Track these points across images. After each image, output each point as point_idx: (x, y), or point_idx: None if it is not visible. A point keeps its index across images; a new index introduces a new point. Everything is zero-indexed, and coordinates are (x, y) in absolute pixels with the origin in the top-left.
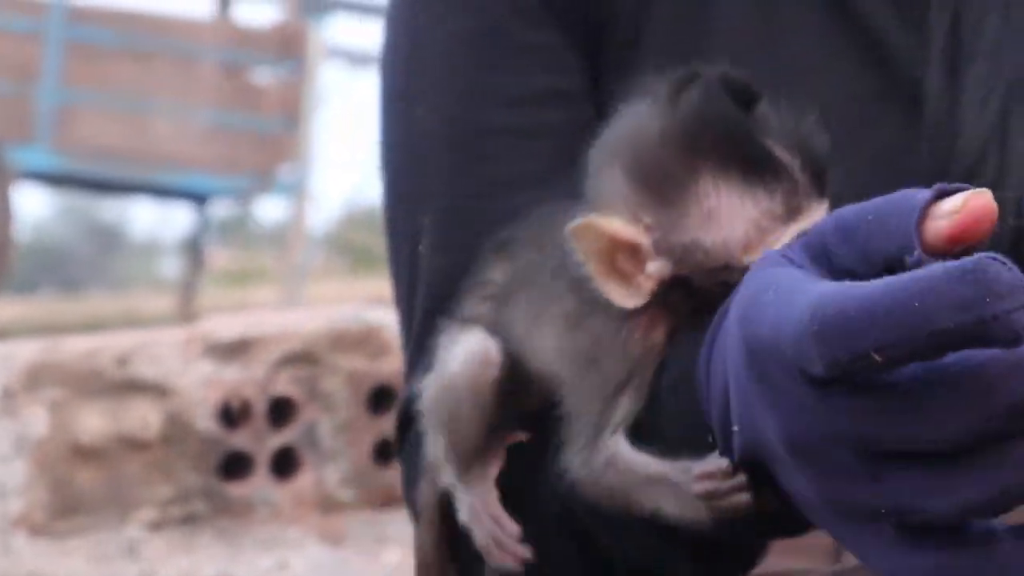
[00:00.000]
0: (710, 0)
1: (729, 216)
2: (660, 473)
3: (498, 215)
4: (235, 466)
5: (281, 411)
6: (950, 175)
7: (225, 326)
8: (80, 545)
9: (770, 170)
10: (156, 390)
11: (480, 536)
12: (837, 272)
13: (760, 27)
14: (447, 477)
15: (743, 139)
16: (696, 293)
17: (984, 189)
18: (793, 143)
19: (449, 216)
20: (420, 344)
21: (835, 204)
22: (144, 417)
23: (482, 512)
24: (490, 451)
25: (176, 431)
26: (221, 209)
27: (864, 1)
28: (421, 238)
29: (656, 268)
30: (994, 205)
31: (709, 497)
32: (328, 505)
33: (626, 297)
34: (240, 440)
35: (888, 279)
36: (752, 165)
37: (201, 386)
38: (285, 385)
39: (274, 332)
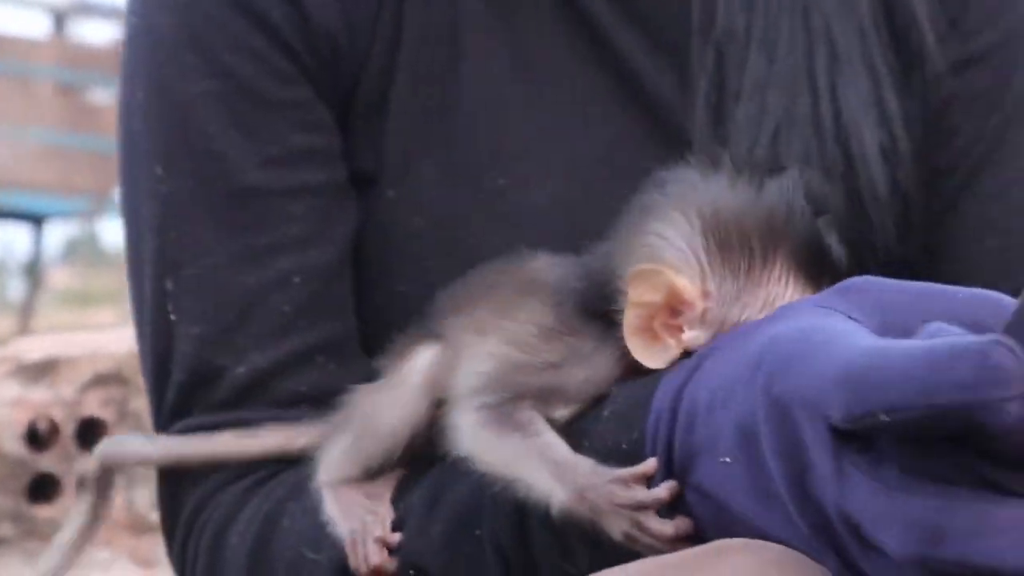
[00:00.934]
0: (459, 59)
1: None
2: (568, 460)
3: (257, 283)
4: (43, 488)
5: (90, 432)
6: None
7: (34, 346)
8: None
9: (828, 277)
10: None
11: (347, 533)
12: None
13: (516, 83)
14: (332, 473)
15: (815, 246)
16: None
17: None
18: (838, 263)
19: (203, 283)
20: (172, 417)
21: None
22: None
23: (364, 518)
24: (387, 475)
25: None
26: (65, 230)
27: (622, 43)
28: (168, 303)
29: (693, 337)
30: None
31: (619, 503)
32: (139, 527)
33: (647, 356)
34: (48, 462)
35: (912, 344)
36: (815, 271)
37: (8, 407)
38: (94, 406)
39: (83, 353)
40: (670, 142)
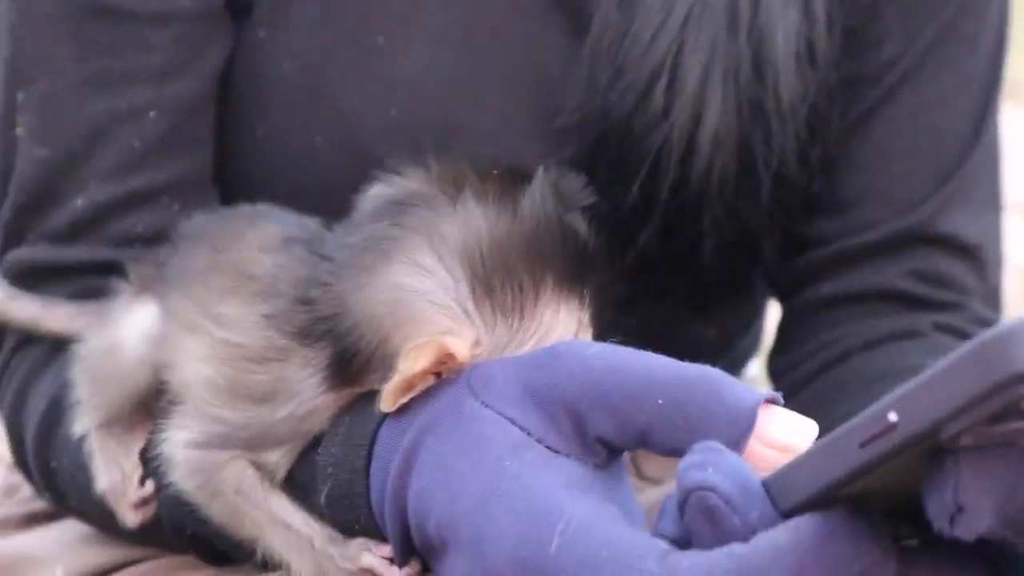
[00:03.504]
0: None
1: (561, 336)
2: (303, 531)
3: (108, 112)
4: None
5: None
6: (611, 109)
7: None
8: None
9: (590, 286)
10: None
11: (105, 483)
12: (588, 437)
13: None
14: (86, 414)
15: (579, 256)
16: None
17: (809, 420)
18: (597, 258)
19: (53, 103)
20: (6, 239)
21: (474, 122)
22: None
23: (117, 466)
24: (138, 422)
25: None
26: None
27: None
28: (17, 116)
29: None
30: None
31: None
32: None
33: (397, 403)
34: None
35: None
36: (581, 282)
37: None
38: None
39: None
40: (572, 17)
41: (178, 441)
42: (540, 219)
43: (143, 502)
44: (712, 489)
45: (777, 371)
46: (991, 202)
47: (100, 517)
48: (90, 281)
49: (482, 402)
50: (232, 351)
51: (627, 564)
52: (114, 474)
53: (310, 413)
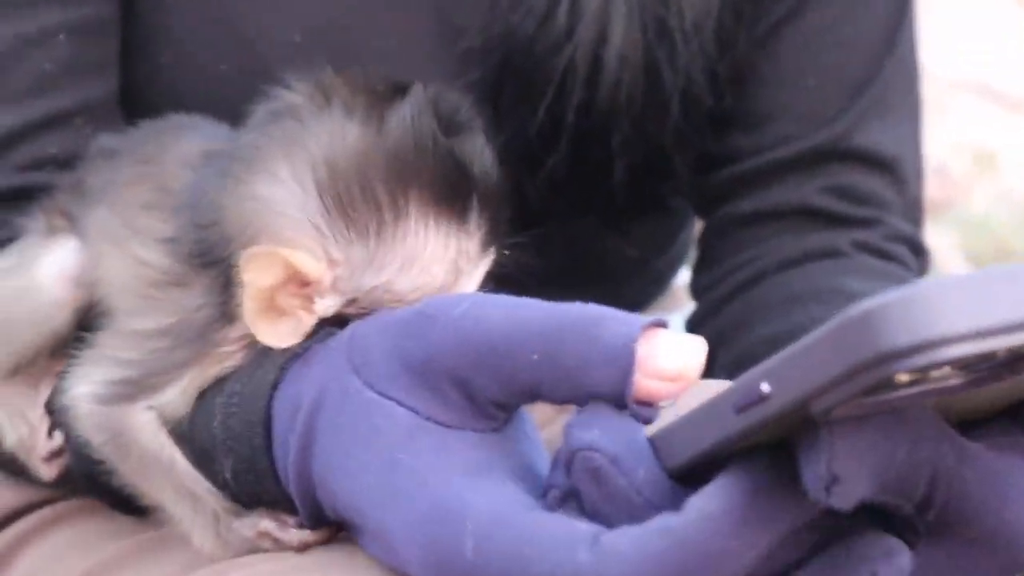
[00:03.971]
0: None
1: (431, 260)
2: (208, 502)
3: (15, 35)
4: None
5: None
6: (516, 27)
7: None
8: None
9: (472, 210)
10: None
11: (13, 439)
12: (479, 401)
13: None
14: None
15: (453, 174)
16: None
17: (695, 338)
18: (484, 180)
19: None
20: None
21: (377, 45)
22: None
23: (23, 419)
24: (42, 372)
25: None
26: None
27: None
28: None
29: (325, 307)
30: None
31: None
32: None
33: (275, 335)
34: None
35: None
36: (458, 203)
37: None
38: None
39: None
40: None
41: (81, 394)
42: (407, 135)
43: (53, 455)
44: (597, 450)
45: (698, 288)
46: (908, 114)
47: (13, 470)
48: (0, 213)
49: (364, 382)
50: (142, 271)
51: (557, 559)
52: (21, 428)
53: (209, 348)
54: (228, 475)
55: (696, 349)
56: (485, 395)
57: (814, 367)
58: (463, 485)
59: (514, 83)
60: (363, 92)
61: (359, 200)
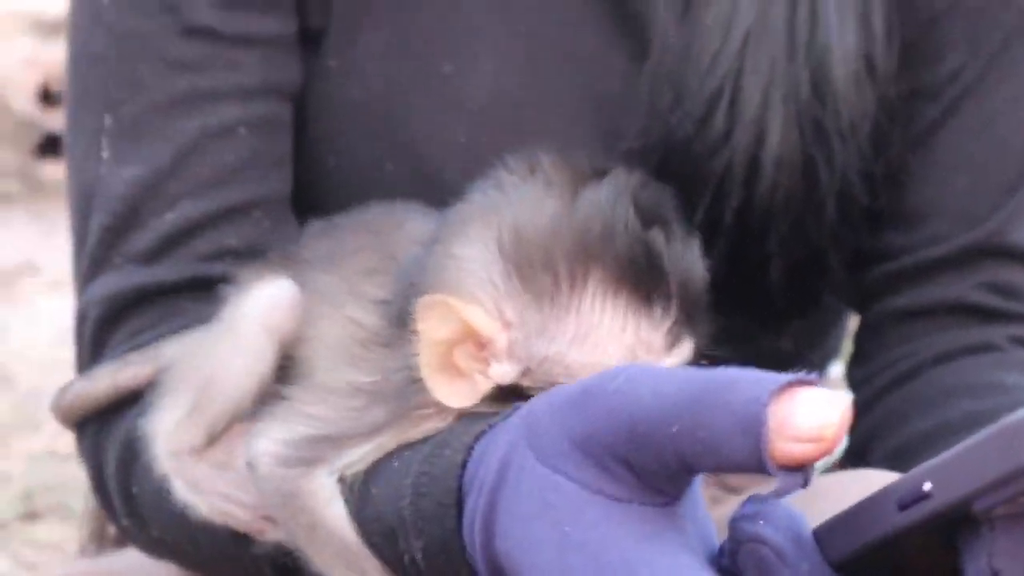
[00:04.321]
0: None
1: (607, 338)
2: (368, 570)
3: (198, 128)
4: (51, 147)
5: None
6: (675, 130)
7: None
8: None
9: (659, 299)
10: None
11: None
12: (642, 475)
13: None
14: (171, 443)
15: (641, 260)
16: (513, 398)
17: (836, 393)
18: (681, 275)
19: (141, 123)
20: (92, 265)
21: (540, 146)
22: None
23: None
24: (240, 423)
25: None
26: None
27: None
28: (103, 139)
29: (501, 373)
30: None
31: None
32: None
33: (451, 395)
34: (57, 121)
35: None
36: (643, 290)
37: (20, 66)
38: None
39: None
40: (633, 40)
41: (265, 452)
42: (597, 213)
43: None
44: (764, 542)
45: (853, 382)
46: None
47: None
48: (180, 303)
49: (538, 457)
50: (352, 330)
51: None
52: (214, 498)
53: (405, 410)
54: (419, 556)
55: (835, 405)
56: (645, 469)
57: (976, 469)
58: (636, 557)
59: (673, 185)
60: (567, 170)
61: (539, 266)
